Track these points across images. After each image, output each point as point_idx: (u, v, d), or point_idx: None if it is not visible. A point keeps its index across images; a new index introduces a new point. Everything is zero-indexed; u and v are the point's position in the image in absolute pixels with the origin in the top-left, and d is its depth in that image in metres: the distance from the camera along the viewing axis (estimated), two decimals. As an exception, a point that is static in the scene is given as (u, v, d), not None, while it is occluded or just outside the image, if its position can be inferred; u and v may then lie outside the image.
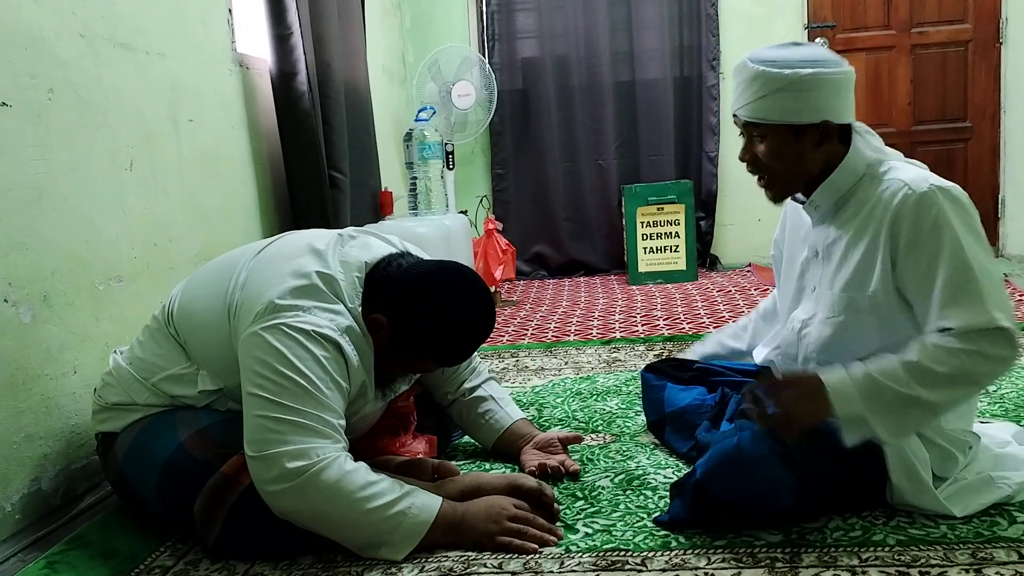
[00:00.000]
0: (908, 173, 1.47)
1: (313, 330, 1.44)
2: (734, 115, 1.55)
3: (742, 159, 1.57)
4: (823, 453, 1.42)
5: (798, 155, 1.51)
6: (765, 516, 1.43)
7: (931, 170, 1.51)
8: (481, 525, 1.45)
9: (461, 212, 4.10)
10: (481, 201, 4.75)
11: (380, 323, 1.52)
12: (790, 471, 1.39)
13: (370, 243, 1.63)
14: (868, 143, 1.54)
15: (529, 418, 1.98)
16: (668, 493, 1.60)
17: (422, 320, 1.52)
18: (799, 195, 1.60)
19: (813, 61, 1.46)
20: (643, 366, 2.05)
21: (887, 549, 1.35)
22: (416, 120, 3.90)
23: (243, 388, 1.45)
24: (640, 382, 2.02)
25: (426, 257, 1.67)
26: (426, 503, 1.44)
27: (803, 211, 1.62)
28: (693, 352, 2.04)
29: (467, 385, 1.91)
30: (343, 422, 1.47)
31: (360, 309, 1.53)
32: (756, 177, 1.57)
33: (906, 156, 1.56)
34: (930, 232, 1.40)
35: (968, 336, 1.36)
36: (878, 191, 1.48)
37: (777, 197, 1.59)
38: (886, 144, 1.57)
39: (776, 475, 1.38)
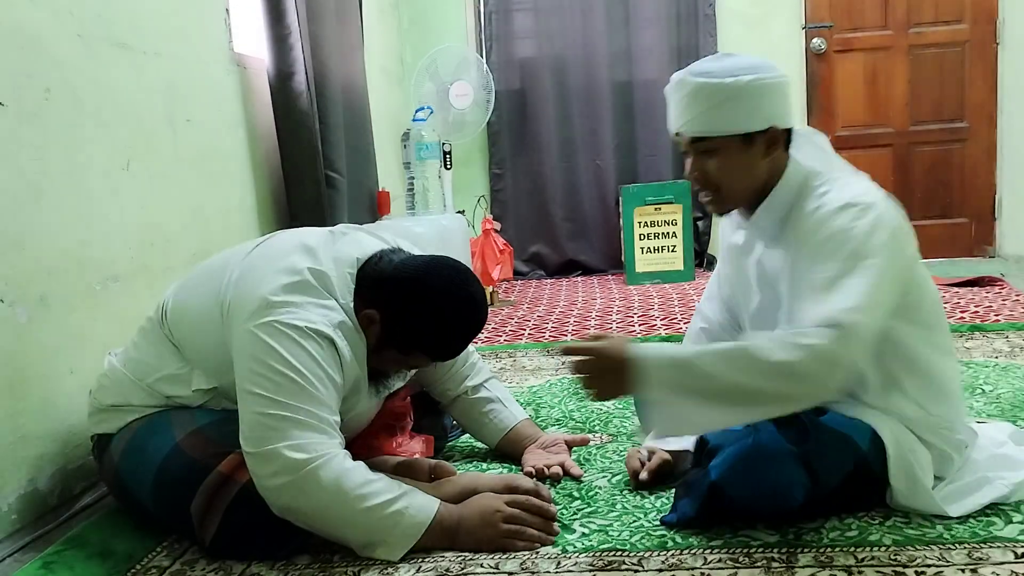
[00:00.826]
0: (843, 192, 1.42)
1: (306, 326, 1.44)
2: (676, 134, 1.50)
3: (691, 178, 1.52)
4: (836, 454, 1.42)
5: (748, 166, 1.47)
6: (776, 515, 1.44)
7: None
8: (477, 531, 1.44)
9: (459, 212, 4.09)
10: (479, 201, 4.75)
11: (372, 319, 1.53)
12: (804, 470, 1.39)
13: (361, 239, 1.64)
14: (813, 148, 1.51)
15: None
16: (666, 493, 1.61)
17: (414, 315, 1.52)
18: (736, 215, 1.57)
19: (751, 68, 1.44)
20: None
21: (883, 549, 1.35)
22: (414, 120, 3.90)
23: (238, 386, 1.45)
24: None
25: (418, 252, 1.66)
26: (424, 504, 1.43)
27: (742, 233, 1.60)
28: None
29: (469, 383, 1.90)
30: (338, 418, 1.47)
31: (352, 305, 1.53)
32: (700, 193, 1.53)
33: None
34: (835, 236, 1.36)
35: (811, 332, 1.29)
36: (811, 211, 1.43)
37: (723, 211, 1.55)
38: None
39: (791, 474, 1.38)
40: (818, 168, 1.49)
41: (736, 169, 1.47)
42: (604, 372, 1.36)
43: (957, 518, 1.43)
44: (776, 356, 1.28)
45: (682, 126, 1.47)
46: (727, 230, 1.70)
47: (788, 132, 1.50)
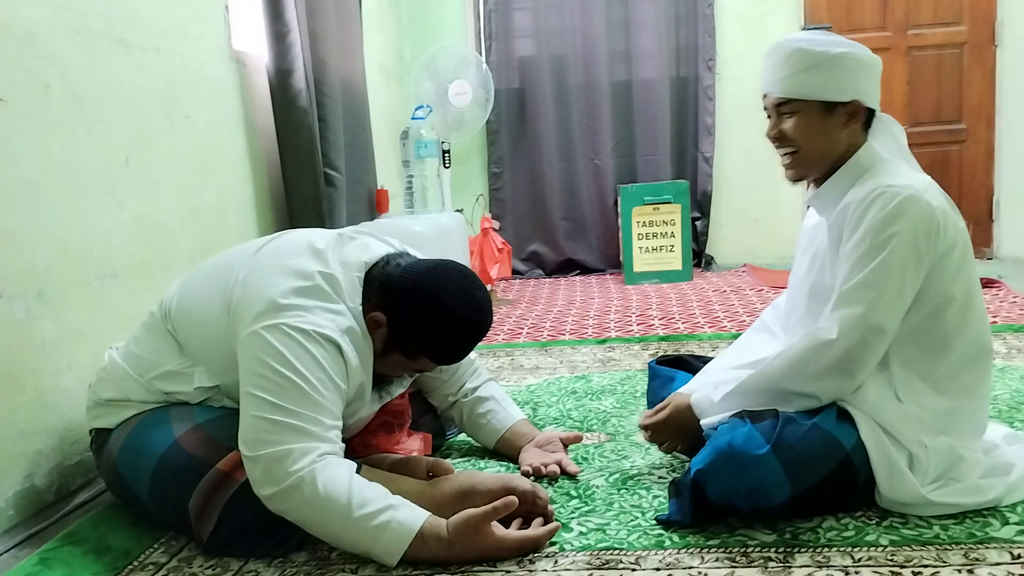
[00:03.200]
0: (898, 179, 1.50)
1: (313, 330, 1.44)
2: (764, 95, 1.61)
3: (769, 135, 1.61)
4: (816, 451, 1.42)
5: (826, 133, 1.56)
6: (759, 514, 1.44)
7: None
8: (474, 555, 1.40)
9: (457, 211, 4.09)
10: (477, 200, 4.75)
11: (379, 322, 1.53)
12: (782, 469, 1.39)
13: (369, 243, 1.64)
14: (889, 137, 1.59)
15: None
16: (663, 492, 1.61)
17: (420, 319, 1.52)
18: (809, 192, 1.66)
19: (847, 43, 1.55)
20: (639, 367, 2.02)
21: (880, 549, 1.36)
22: (413, 118, 3.89)
23: (242, 386, 1.45)
24: (648, 373, 1.97)
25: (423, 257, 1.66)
26: (407, 518, 1.38)
27: (813, 210, 1.68)
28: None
29: (468, 385, 1.90)
30: (339, 423, 1.47)
31: (360, 309, 1.53)
32: (781, 155, 1.61)
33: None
34: (879, 227, 1.46)
35: (824, 327, 1.48)
36: (859, 193, 1.51)
37: (796, 176, 1.62)
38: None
39: (769, 473, 1.39)
40: (886, 156, 1.57)
41: (813, 133, 1.56)
42: (677, 431, 1.65)
43: (948, 516, 1.44)
44: (805, 359, 1.48)
45: (770, 87, 1.59)
46: (809, 217, 1.77)
47: (871, 113, 1.58)
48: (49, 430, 1.76)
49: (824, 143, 1.57)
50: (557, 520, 1.52)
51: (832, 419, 1.47)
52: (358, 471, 1.43)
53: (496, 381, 1.99)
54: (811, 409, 1.50)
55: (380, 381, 1.63)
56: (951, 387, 1.52)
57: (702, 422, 1.58)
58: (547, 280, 4.89)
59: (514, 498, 1.43)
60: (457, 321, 1.53)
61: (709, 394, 1.59)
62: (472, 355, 1.91)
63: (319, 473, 1.37)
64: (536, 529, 1.44)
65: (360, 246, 1.61)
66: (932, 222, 1.46)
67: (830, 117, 1.55)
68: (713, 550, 1.39)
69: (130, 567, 1.47)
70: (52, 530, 1.64)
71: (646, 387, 1.97)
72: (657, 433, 1.68)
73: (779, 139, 1.60)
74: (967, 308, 1.52)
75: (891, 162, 1.56)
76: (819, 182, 1.62)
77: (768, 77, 1.59)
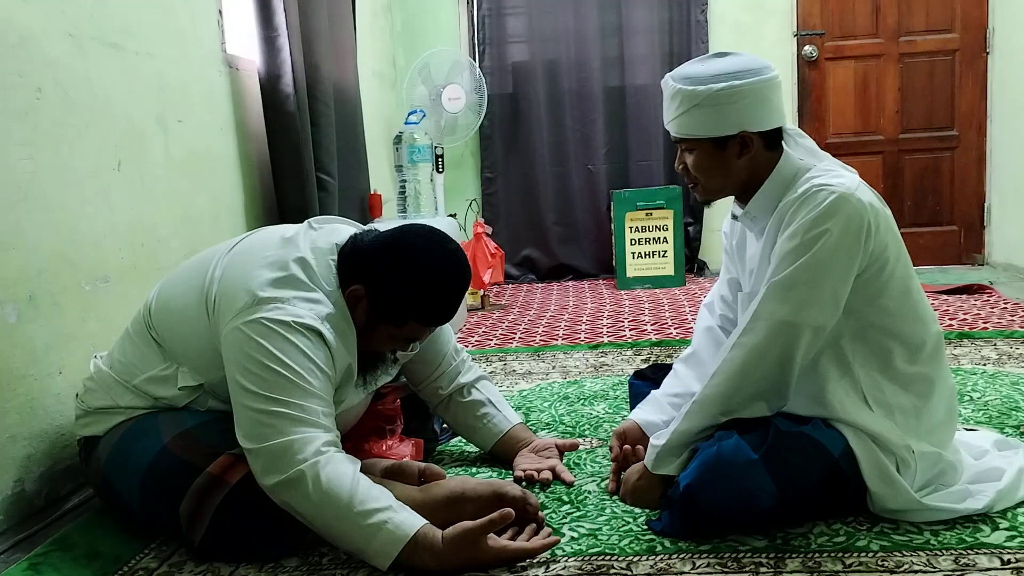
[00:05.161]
0: (829, 179, 1.48)
1: (293, 320, 1.45)
2: (666, 129, 1.62)
3: (676, 169, 1.64)
4: (804, 458, 1.43)
5: (722, 166, 1.56)
6: (750, 522, 1.44)
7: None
8: (469, 568, 1.39)
9: (450, 215, 4.10)
10: (470, 204, 4.74)
11: (358, 294, 1.53)
12: (771, 477, 1.40)
13: (337, 228, 1.66)
14: (799, 147, 1.58)
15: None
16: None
17: (399, 280, 1.52)
18: (736, 207, 1.65)
19: (729, 74, 1.50)
20: (631, 372, 2.04)
21: (871, 555, 1.36)
22: (406, 123, 3.90)
23: (231, 384, 1.45)
24: (628, 389, 2.01)
25: None
26: (404, 521, 1.38)
27: (739, 227, 1.69)
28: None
29: (461, 381, 1.90)
30: (332, 410, 1.48)
31: (338, 290, 1.54)
32: (688, 184, 1.65)
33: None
34: (810, 224, 1.44)
35: (747, 328, 1.48)
36: (790, 200, 1.50)
37: (704, 200, 1.66)
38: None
39: (757, 481, 1.40)
40: (808, 162, 1.55)
41: (710, 168, 1.57)
42: (641, 488, 1.59)
43: (939, 522, 1.44)
44: (744, 372, 1.47)
45: (667, 124, 1.60)
46: (728, 231, 1.76)
47: (773, 131, 1.55)
48: (40, 435, 1.76)
49: (721, 176, 1.58)
50: (549, 526, 1.52)
51: (820, 426, 1.48)
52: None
53: (490, 380, 1.98)
54: (799, 418, 1.51)
55: (366, 364, 1.63)
56: (915, 380, 1.52)
57: (663, 472, 1.54)
58: (540, 285, 4.89)
59: (510, 510, 1.43)
60: (435, 276, 1.54)
61: (657, 448, 1.54)
62: (460, 347, 1.92)
63: (323, 466, 1.37)
64: (533, 541, 1.44)
65: (329, 231, 1.63)
66: (863, 219, 1.44)
67: (723, 151, 1.55)
68: (705, 555, 1.39)
69: (120, 573, 1.47)
70: (42, 535, 1.64)
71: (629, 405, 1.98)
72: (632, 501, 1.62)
73: (684, 172, 1.62)
74: (908, 297, 1.52)
75: (817, 165, 1.54)
76: (744, 199, 1.60)
77: (665, 113, 1.59)
